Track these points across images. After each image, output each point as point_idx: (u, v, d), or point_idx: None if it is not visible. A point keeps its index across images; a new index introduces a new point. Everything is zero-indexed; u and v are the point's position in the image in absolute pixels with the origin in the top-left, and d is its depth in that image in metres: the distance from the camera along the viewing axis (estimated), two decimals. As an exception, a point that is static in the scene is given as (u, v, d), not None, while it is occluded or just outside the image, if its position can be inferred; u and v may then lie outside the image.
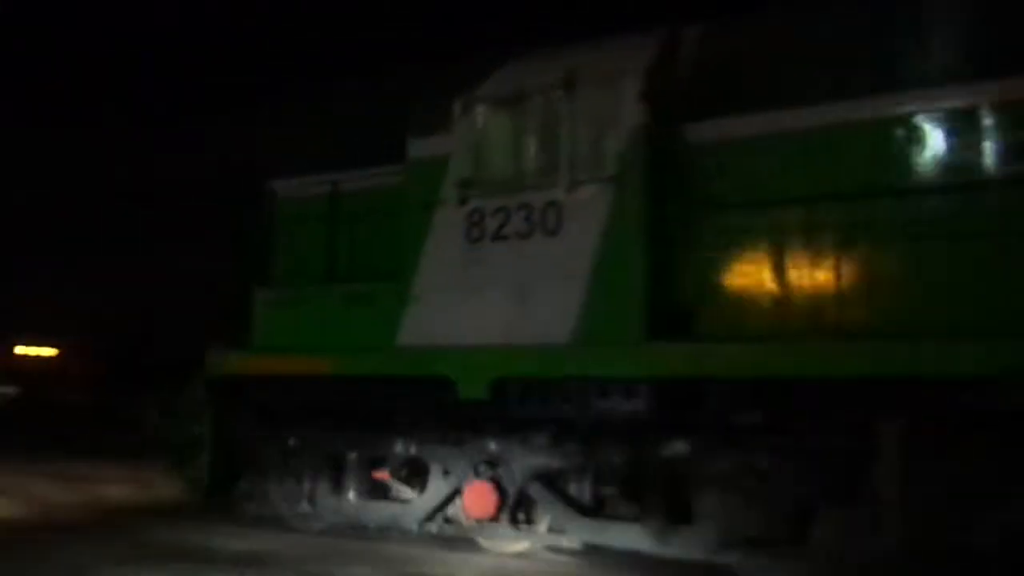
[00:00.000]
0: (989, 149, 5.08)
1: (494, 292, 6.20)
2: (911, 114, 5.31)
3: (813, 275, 5.44)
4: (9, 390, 20.45)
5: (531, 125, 6.22)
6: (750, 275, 5.62)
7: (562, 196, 6.02)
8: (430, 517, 6.76)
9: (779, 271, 5.52)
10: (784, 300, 5.50)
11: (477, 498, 6.43)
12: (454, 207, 6.47)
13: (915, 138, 5.28)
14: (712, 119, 5.88)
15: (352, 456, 7.12)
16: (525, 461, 6.32)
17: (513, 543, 6.65)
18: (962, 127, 5.17)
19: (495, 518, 6.40)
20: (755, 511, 5.35)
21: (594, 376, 5.83)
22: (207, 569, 5.79)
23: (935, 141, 5.24)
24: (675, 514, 5.69)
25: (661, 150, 5.86)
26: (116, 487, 9.88)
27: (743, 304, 5.62)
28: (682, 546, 5.66)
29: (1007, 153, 4.98)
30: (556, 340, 5.93)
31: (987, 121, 5.05)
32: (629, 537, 5.90)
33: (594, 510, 6.15)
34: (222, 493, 7.72)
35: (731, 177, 5.79)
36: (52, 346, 21.56)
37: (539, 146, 6.19)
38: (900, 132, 5.33)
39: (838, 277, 5.36)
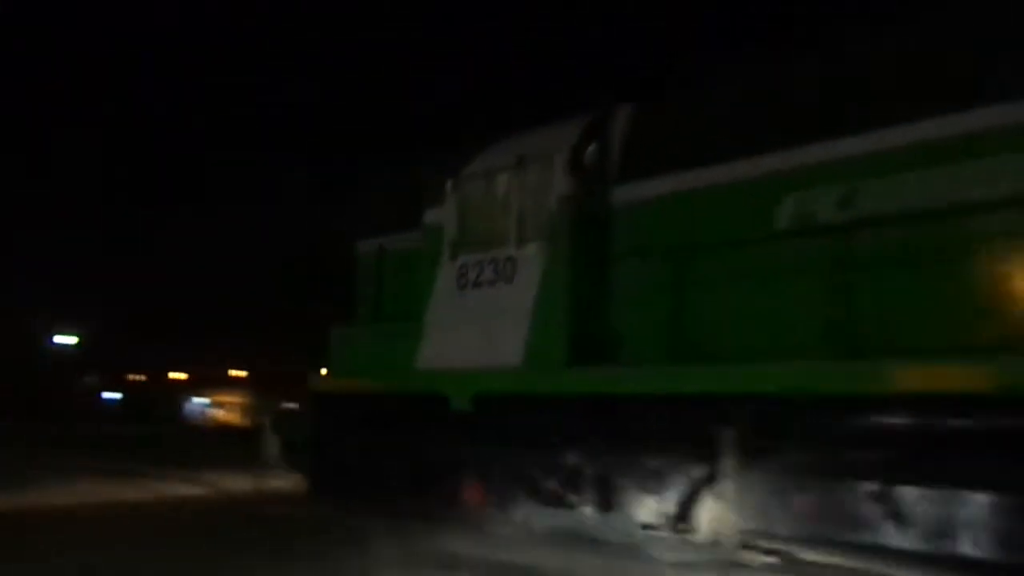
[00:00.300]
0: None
1: (473, 328, 8.01)
2: (768, 175, 6.49)
3: (699, 313, 6.74)
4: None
5: (497, 197, 8.01)
6: (652, 313, 7.00)
7: (515, 252, 7.76)
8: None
9: (677, 310, 6.87)
10: (676, 331, 6.82)
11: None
12: (449, 262, 8.39)
13: (766, 198, 6.46)
14: (630, 183, 7.36)
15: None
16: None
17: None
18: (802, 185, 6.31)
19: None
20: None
21: (536, 393, 7.45)
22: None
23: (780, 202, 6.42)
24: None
25: (584, 212, 7.42)
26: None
27: (645, 335, 7.02)
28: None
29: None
30: (513, 365, 7.62)
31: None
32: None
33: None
34: (330, 485, 9.83)
35: (640, 230, 7.23)
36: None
37: (501, 213, 7.96)
38: (757, 191, 6.54)
39: (714, 312, 6.65)
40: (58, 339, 44.66)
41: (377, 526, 7.75)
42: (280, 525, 8.43)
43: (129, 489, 11.29)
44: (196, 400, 52.27)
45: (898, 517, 5.41)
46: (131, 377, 53.47)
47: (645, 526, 6.76)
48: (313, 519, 8.77)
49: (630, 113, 7.72)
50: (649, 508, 6.79)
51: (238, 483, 11.65)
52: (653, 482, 6.75)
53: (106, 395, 52.15)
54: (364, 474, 9.06)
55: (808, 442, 5.87)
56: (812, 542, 5.90)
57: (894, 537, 5.43)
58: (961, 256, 5.51)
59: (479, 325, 7.96)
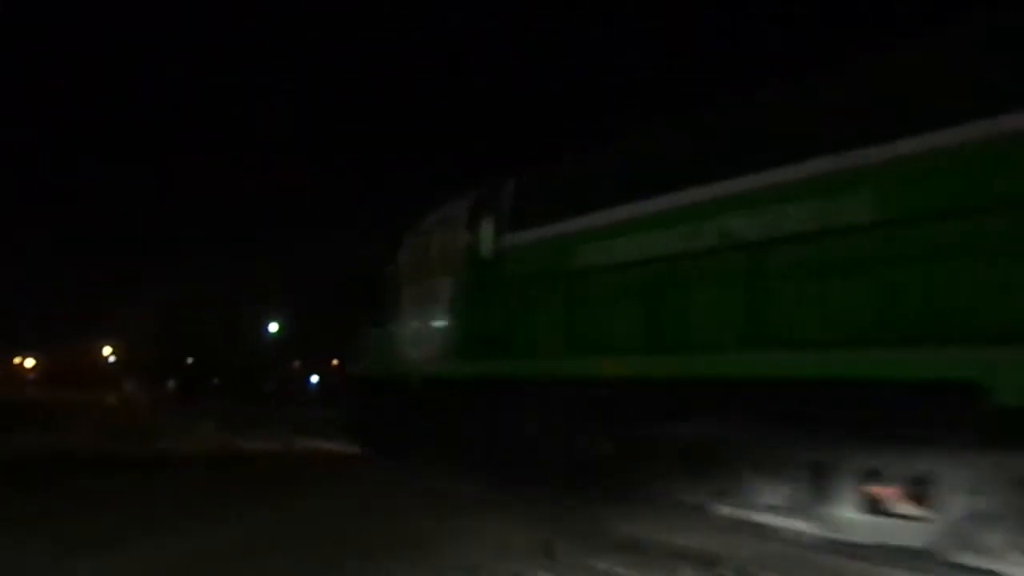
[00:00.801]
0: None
1: (418, 332, 12.10)
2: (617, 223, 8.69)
3: (552, 323, 9.57)
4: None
5: (429, 246, 12.07)
6: (522, 323, 10.14)
7: (437, 283, 11.74)
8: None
9: (535, 320, 9.88)
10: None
11: None
12: (406, 287, 12.69)
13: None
14: (515, 233, 10.56)
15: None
16: None
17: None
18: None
19: None
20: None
21: (451, 376, 11.26)
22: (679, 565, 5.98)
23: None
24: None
25: (476, 256, 10.98)
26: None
27: (538, 336, 9.78)
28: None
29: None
30: (438, 358, 11.56)
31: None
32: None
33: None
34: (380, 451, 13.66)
35: (527, 263, 10.07)
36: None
37: (429, 256, 12.03)
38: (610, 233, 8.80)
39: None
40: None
41: (556, 505, 8.42)
42: (440, 498, 9.20)
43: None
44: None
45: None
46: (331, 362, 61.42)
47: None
48: (469, 493, 9.47)
49: (514, 185, 10.97)
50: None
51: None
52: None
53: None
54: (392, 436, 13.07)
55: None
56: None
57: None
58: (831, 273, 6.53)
59: (421, 331, 12.03)
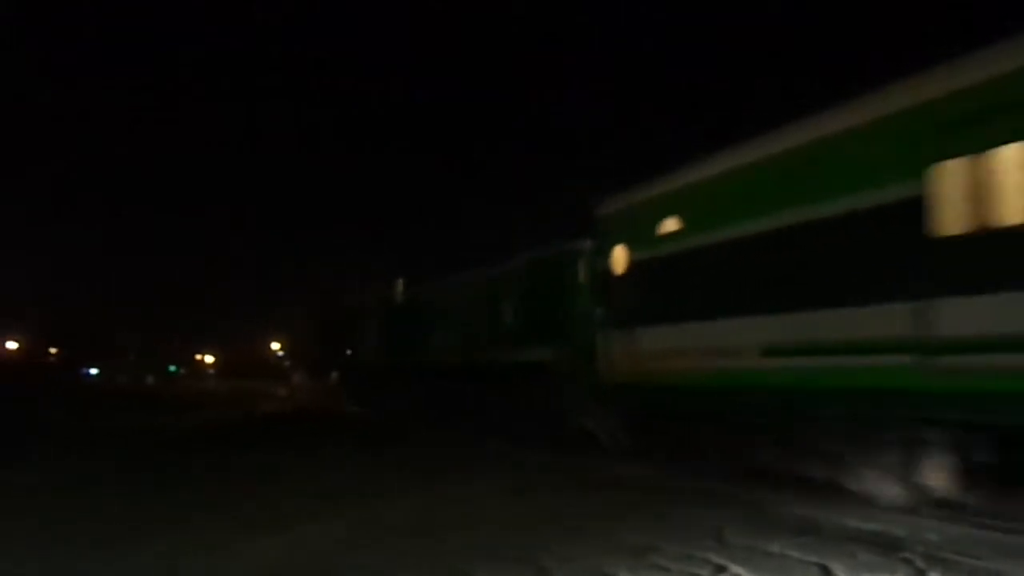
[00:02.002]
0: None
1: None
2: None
3: (441, 335, 19.59)
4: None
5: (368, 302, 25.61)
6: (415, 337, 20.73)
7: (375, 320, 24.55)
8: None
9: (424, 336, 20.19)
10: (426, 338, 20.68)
11: None
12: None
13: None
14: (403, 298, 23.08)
15: None
16: None
17: None
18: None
19: None
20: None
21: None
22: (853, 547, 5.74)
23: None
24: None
25: (391, 306, 23.56)
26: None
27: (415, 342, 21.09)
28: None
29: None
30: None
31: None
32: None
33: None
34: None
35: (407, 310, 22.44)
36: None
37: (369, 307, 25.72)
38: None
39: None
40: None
41: (725, 488, 8.18)
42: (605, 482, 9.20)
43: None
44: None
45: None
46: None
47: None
48: (638, 477, 9.37)
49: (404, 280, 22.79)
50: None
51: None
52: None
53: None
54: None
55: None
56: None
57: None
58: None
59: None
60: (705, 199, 9.68)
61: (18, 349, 75.10)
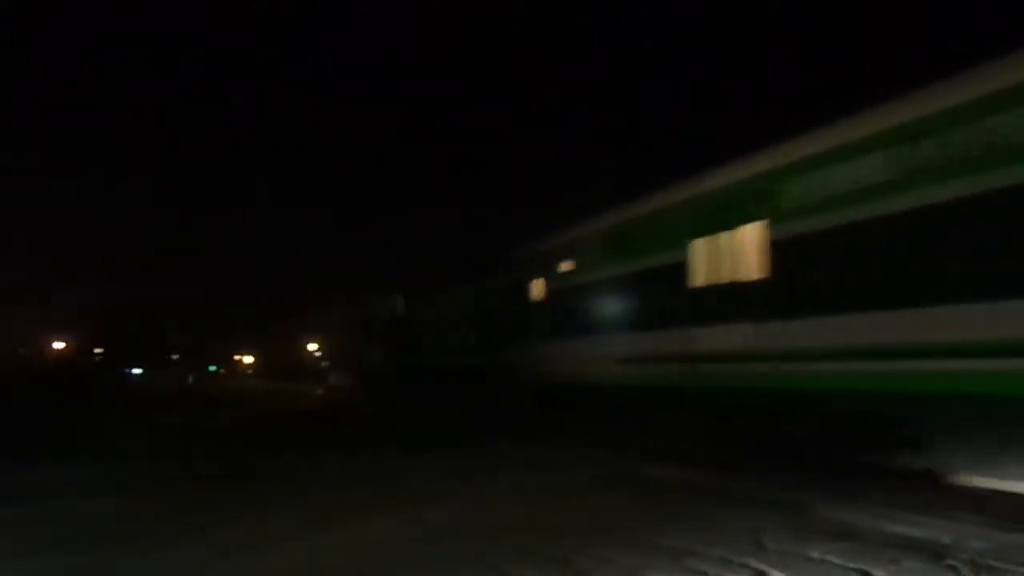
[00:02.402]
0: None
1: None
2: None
3: (428, 342, 23.98)
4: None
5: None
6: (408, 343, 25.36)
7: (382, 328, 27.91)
8: None
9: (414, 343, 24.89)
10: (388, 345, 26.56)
11: None
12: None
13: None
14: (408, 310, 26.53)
15: None
16: None
17: None
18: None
19: None
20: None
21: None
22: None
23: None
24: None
25: (396, 315, 26.85)
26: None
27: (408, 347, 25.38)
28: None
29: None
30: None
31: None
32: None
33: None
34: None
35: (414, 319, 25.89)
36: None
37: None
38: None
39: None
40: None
41: (758, 488, 8.20)
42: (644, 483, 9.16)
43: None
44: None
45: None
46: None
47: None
48: (668, 478, 9.38)
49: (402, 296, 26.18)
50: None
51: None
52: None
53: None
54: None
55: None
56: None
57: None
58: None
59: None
60: (579, 250, 14.10)
61: (64, 349, 76.90)
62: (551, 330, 14.74)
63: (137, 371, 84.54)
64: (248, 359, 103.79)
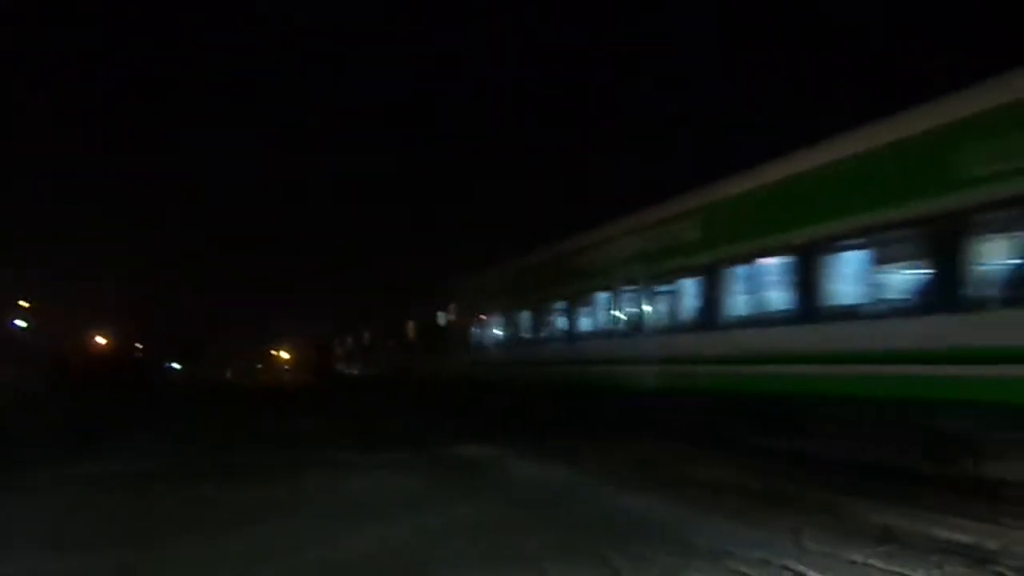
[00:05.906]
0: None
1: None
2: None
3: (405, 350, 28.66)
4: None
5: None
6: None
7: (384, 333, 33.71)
8: None
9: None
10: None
11: None
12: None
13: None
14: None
15: None
16: None
17: None
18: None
19: None
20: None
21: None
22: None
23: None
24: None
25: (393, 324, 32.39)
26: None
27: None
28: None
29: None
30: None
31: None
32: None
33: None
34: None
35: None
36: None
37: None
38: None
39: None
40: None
41: (796, 490, 8.11)
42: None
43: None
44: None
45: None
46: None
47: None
48: (705, 477, 9.36)
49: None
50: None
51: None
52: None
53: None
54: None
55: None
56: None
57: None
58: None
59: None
60: (472, 293, 22.23)
61: (106, 345, 78.44)
62: (460, 345, 22.41)
63: (176, 366, 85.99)
64: (285, 355, 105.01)
